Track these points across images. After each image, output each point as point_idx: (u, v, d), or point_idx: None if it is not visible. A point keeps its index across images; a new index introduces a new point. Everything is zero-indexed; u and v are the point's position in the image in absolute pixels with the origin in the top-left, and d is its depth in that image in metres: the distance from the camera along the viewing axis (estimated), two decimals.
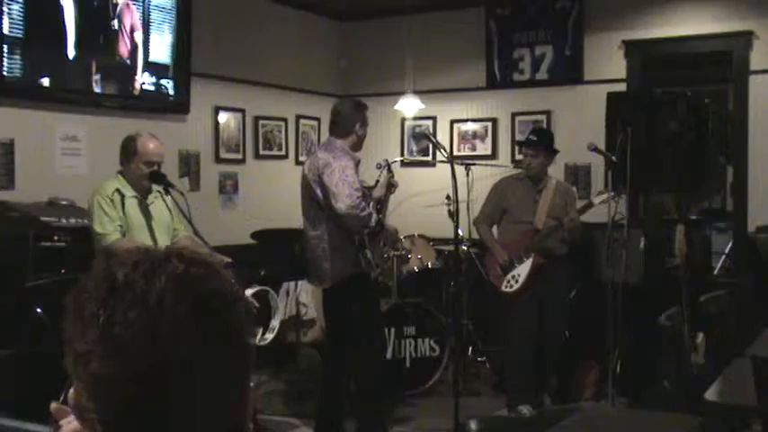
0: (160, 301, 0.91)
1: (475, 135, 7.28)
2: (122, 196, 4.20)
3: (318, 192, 4.51)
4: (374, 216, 4.52)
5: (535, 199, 5.43)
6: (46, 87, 5.09)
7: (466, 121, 7.30)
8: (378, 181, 4.85)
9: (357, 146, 4.71)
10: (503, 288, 5.40)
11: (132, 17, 5.58)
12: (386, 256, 5.90)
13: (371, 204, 4.60)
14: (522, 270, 5.35)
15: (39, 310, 4.18)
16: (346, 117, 4.65)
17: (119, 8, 5.48)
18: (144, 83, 5.73)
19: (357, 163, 4.61)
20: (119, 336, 0.90)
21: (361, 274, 4.56)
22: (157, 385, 0.90)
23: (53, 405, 0.99)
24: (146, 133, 4.36)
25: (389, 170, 4.79)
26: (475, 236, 5.82)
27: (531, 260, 5.33)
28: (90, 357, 0.91)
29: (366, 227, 4.50)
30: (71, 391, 0.97)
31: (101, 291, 0.93)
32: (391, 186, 4.81)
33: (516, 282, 5.36)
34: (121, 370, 0.90)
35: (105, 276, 0.94)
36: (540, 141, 5.46)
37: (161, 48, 5.84)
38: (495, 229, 5.63)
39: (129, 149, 4.26)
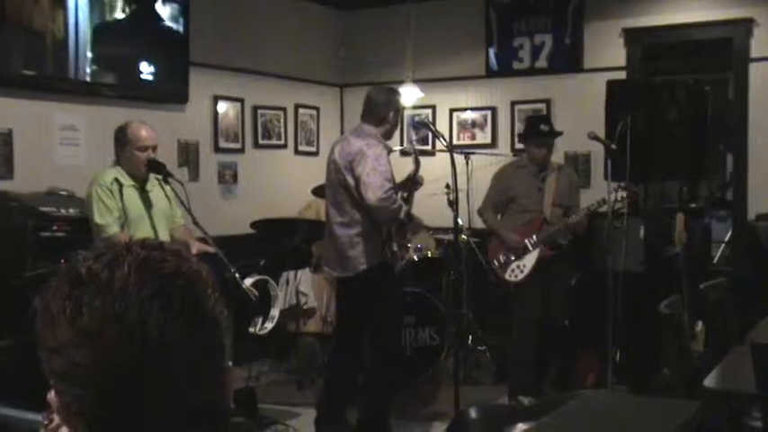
0: (124, 287, 0.93)
1: (474, 124, 7.26)
2: (120, 186, 4.21)
3: (350, 178, 4.40)
4: (404, 208, 4.44)
5: (539, 187, 5.35)
6: (44, 77, 5.07)
7: (465, 109, 7.29)
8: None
9: (389, 134, 4.63)
10: (506, 277, 5.38)
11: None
12: None
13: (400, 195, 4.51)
14: (528, 261, 5.31)
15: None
16: (381, 105, 4.54)
17: None
18: (142, 72, 5.71)
19: (389, 152, 4.52)
20: (87, 325, 0.92)
21: (384, 264, 4.48)
22: (132, 368, 0.92)
23: (50, 395, 1.00)
24: (136, 121, 4.37)
25: (416, 161, 4.65)
26: (474, 225, 5.81)
27: (537, 251, 5.29)
28: (61, 350, 0.93)
29: (395, 219, 4.42)
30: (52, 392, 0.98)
31: (65, 286, 0.95)
32: (416, 184, 4.68)
33: (521, 272, 5.33)
34: (94, 357, 0.91)
35: (68, 272, 0.96)
36: (552, 131, 5.39)
37: (160, 37, 5.82)
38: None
39: (121, 139, 4.28)
